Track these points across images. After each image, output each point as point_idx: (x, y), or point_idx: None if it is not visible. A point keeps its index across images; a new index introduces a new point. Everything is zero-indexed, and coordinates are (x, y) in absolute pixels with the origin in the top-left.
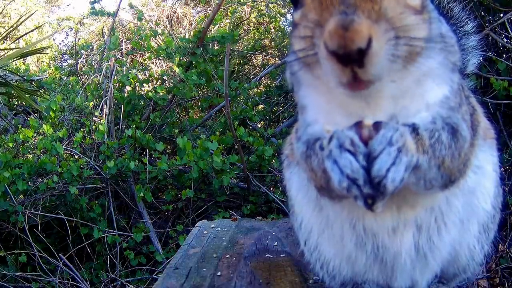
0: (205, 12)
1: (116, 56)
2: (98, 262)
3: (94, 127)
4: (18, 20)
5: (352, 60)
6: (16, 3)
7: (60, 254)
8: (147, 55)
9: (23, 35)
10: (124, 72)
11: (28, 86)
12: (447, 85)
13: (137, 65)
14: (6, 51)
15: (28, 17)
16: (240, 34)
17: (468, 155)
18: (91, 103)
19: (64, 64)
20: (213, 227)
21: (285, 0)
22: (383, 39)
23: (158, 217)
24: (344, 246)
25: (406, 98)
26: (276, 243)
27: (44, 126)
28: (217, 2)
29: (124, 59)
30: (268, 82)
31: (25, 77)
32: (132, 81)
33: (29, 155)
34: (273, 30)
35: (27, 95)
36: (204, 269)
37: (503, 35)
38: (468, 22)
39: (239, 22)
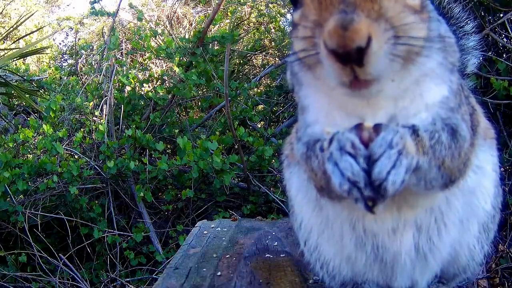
0: (205, 12)
1: (116, 56)
2: (98, 262)
3: (94, 127)
4: (18, 20)
5: (351, 59)
6: (16, 3)
7: (60, 254)
8: (147, 55)
9: (24, 36)
10: (124, 72)
11: (28, 86)
12: (447, 86)
13: (137, 65)
14: (6, 51)
15: (28, 17)
16: (240, 34)
17: (468, 155)
18: (91, 103)
19: (64, 64)
20: (213, 227)
21: (285, 0)
22: (383, 38)
23: (158, 217)
24: (344, 246)
25: (406, 98)
26: (276, 243)
27: (44, 126)
28: (217, 2)
29: (124, 59)
30: (268, 82)
31: (25, 77)
32: (132, 81)
33: (29, 155)
34: (273, 30)
35: (27, 95)
36: (204, 269)
37: (503, 35)
38: (468, 22)
39: (239, 22)
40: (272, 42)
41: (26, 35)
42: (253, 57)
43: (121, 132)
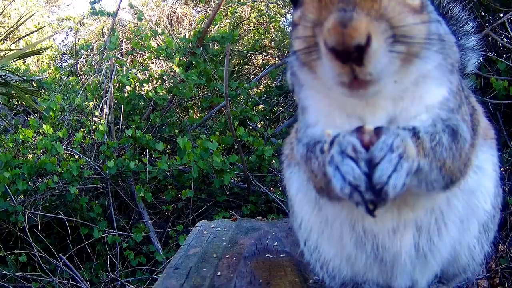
0: (205, 12)
1: (116, 56)
2: (98, 262)
3: (94, 127)
4: (18, 21)
5: (351, 58)
6: (16, 3)
7: (60, 254)
8: (147, 55)
9: (24, 36)
10: (124, 72)
11: (28, 86)
12: (446, 86)
13: (137, 65)
14: (6, 51)
15: (29, 17)
16: (240, 34)
17: (468, 155)
18: (91, 103)
19: (64, 64)
20: (213, 227)
21: (285, 0)
22: (382, 38)
23: (158, 217)
24: (344, 246)
25: (406, 99)
26: (276, 243)
27: (44, 126)
28: (217, 2)
29: (124, 59)
30: (268, 82)
31: (25, 77)
32: (132, 81)
33: (29, 155)
34: (273, 30)
35: (27, 95)
36: (204, 269)
37: (503, 35)
38: (468, 22)
39: (239, 22)
40: (272, 42)
41: (26, 35)
42: (253, 57)
43: (121, 132)
